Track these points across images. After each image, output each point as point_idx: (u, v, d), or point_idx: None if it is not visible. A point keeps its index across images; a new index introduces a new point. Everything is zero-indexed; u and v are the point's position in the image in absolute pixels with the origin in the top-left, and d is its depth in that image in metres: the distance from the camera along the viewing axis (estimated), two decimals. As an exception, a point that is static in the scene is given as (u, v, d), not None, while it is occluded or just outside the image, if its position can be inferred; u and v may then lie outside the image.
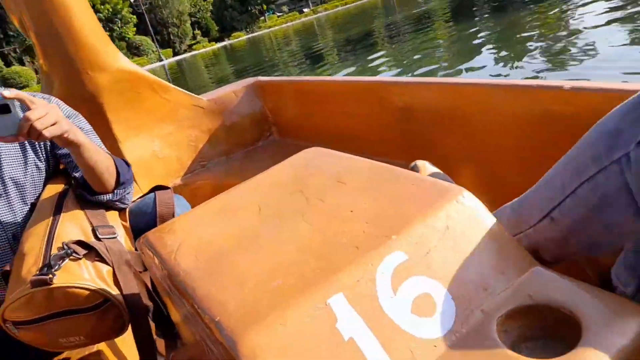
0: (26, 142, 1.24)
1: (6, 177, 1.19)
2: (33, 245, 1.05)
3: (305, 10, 68.91)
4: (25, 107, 1.01)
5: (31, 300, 0.96)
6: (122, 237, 1.19)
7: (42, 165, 1.27)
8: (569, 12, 8.81)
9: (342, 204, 0.73)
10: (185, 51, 56.89)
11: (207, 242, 0.75)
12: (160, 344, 1.16)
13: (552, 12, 9.36)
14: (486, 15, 12.46)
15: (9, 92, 0.98)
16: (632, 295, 0.71)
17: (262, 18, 66.54)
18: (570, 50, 6.16)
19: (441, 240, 0.62)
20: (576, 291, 0.56)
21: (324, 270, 0.59)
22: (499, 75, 6.07)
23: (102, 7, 46.34)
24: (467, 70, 6.96)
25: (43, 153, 1.28)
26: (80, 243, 1.06)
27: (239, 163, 2.58)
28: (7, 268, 1.08)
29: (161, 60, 49.67)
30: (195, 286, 0.64)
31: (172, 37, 56.86)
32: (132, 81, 2.29)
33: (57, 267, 0.98)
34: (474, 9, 14.68)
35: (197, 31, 62.63)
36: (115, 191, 1.25)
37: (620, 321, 0.51)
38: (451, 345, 0.55)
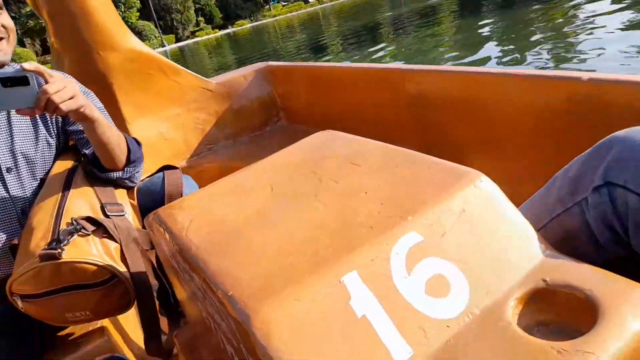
0: (38, 117, 1.25)
1: (17, 152, 1.19)
2: (42, 219, 1.05)
3: (311, 0, 68.54)
4: (44, 81, 1.01)
5: (39, 274, 0.96)
6: (130, 215, 1.19)
7: (52, 141, 1.27)
8: (576, 8, 8.76)
9: (356, 185, 0.73)
10: (188, 38, 56.60)
11: (219, 219, 0.75)
12: (164, 322, 1.16)
13: (559, 8, 9.31)
14: (492, 10, 12.39)
15: (28, 65, 0.98)
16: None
17: (267, 7, 66.21)
18: (575, 46, 6.17)
19: (457, 223, 0.62)
20: (592, 276, 0.56)
21: (338, 248, 0.59)
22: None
23: (106, -10, 46.05)
24: (471, 64, 6.93)
25: (54, 129, 1.28)
26: (89, 219, 1.06)
27: (245, 147, 2.58)
28: (16, 242, 1.08)
29: (163, 46, 49.49)
30: (207, 261, 0.64)
31: (175, 23, 56.53)
32: (143, 62, 2.29)
33: (65, 242, 0.98)
34: (481, 3, 14.59)
35: (200, 18, 62.23)
36: (126, 169, 1.25)
37: (638, 306, 0.51)
38: (464, 326, 0.55)
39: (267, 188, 0.81)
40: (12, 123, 1.19)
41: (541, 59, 6.10)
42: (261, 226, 0.69)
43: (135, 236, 1.10)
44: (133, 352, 1.29)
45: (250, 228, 0.70)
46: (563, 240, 0.79)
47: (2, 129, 1.18)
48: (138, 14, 51.63)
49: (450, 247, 0.60)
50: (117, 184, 1.27)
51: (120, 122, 2.28)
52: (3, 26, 1.14)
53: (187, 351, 0.95)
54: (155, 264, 1.11)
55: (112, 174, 1.24)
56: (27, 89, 0.99)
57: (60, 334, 1.24)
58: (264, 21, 58.43)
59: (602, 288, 0.54)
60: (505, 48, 7.35)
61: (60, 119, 1.29)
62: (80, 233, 1.02)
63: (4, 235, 1.14)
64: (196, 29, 60.10)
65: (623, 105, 1.09)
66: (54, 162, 1.28)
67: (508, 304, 0.56)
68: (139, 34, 50.52)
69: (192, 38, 56.19)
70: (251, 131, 2.70)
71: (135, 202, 1.32)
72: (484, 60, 6.81)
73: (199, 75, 2.56)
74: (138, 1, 50.97)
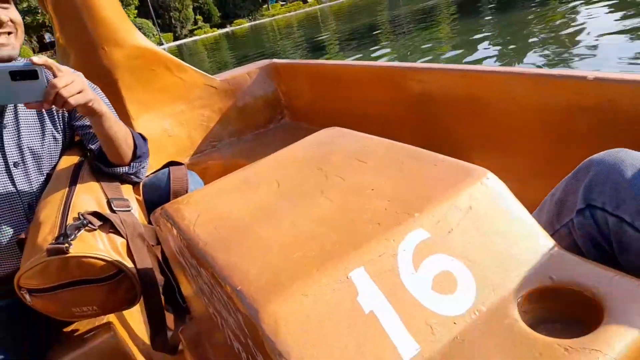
0: (44, 112, 1.25)
1: (24, 147, 1.19)
2: (49, 214, 1.06)
3: (309, 0, 68.45)
4: (53, 75, 1.02)
5: (46, 269, 0.96)
6: (136, 211, 1.19)
7: (59, 137, 1.28)
8: (572, 11, 8.79)
9: (362, 182, 0.73)
10: (186, 36, 56.29)
11: (227, 214, 0.75)
12: (169, 318, 1.17)
13: (555, 10, 9.34)
14: (490, 12, 12.41)
15: (37, 59, 0.99)
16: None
17: (265, 6, 66.08)
18: (571, 48, 6.18)
19: (464, 220, 0.62)
20: (598, 274, 0.56)
21: (346, 244, 0.59)
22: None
23: (104, -13, 46.00)
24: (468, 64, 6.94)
25: (60, 124, 1.28)
26: (95, 214, 1.07)
27: (249, 144, 2.58)
28: (23, 236, 1.09)
29: (162, 44, 49.29)
30: (215, 256, 0.64)
31: (173, 21, 56.20)
32: (147, 58, 2.29)
33: (73, 236, 0.98)
34: (479, 5, 14.60)
35: (198, 16, 61.94)
36: (132, 164, 1.26)
37: None
38: (471, 322, 0.55)
39: (274, 184, 0.81)
40: (19, 118, 1.20)
41: (538, 59, 6.14)
42: (268, 221, 0.70)
43: (141, 231, 1.10)
44: (139, 347, 1.30)
45: (257, 223, 0.70)
46: None
47: (10, 124, 1.19)
48: (136, 11, 51.47)
49: (457, 244, 0.60)
50: (122, 179, 1.28)
51: (124, 118, 2.28)
52: (11, 20, 1.15)
53: (192, 347, 0.95)
54: (161, 260, 1.12)
55: (118, 169, 1.24)
56: (36, 82, 0.99)
57: (66, 329, 1.25)
58: (263, 20, 58.24)
59: (609, 286, 0.54)
60: (502, 49, 7.40)
61: (66, 115, 1.29)
62: (87, 228, 1.02)
63: (11, 230, 1.15)
64: (194, 27, 59.80)
65: (629, 104, 1.09)
66: (60, 157, 1.28)
67: (515, 301, 0.56)
68: (137, 31, 50.46)
69: (190, 36, 55.85)
70: (255, 129, 2.70)
71: (140, 198, 1.32)
72: (480, 62, 6.83)
73: (203, 72, 2.56)
74: None
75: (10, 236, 1.15)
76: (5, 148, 1.17)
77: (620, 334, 0.49)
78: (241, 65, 2.92)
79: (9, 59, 1.15)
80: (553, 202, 0.85)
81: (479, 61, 6.86)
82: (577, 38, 6.62)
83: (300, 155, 0.90)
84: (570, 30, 7.28)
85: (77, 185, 1.15)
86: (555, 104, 1.22)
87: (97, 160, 1.24)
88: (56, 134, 1.27)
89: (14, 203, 1.16)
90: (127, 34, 2.19)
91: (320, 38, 19.05)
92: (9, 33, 1.15)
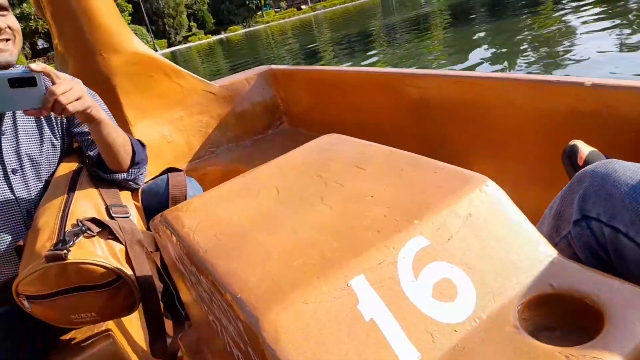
0: (43, 119, 1.25)
1: (22, 154, 1.19)
2: (47, 221, 1.06)
3: (304, 7, 68.62)
4: (51, 82, 1.02)
5: (45, 275, 0.96)
6: (135, 217, 1.19)
7: (57, 143, 1.28)
8: (563, 18, 8.88)
9: (362, 189, 0.73)
10: (180, 42, 56.24)
11: (226, 221, 0.75)
12: (168, 325, 1.17)
13: (547, 16, 9.43)
14: (483, 20, 12.50)
15: (36, 65, 0.98)
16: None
17: (260, 13, 66.20)
18: (561, 54, 6.25)
19: (463, 227, 0.62)
20: (599, 281, 0.56)
21: (345, 251, 0.59)
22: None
23: (97, -7, 46.05)
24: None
25: (59, 131, 1.28)
26: (94, 221, 1.06)
27: (248, 150, 2.58)
28: (21, 243, 1.08)
29: (155, 50, 49.10)
30: (215, 263, 0.64)
31: (167, 28, 56.18)
32: (145, 64, 2.29)
33: (71, 243, 0.98)
34: (471, 13, 14.71)
35: (193, 23, 61.99)
36: (130, 170, 1.26)
37: None
38: (471, 330, 0.55)
39: (273, 191, 0.81)
40: (17, 125, 1.20)
41: (532, 68, 6.20)
42: (268, 229, 0.70)
43: (140, 238, 1.10)
44: (138, 354, 1.29)
45: (257, 230, 0.70)
46: None
47: (8, 131, 1.19)
48: (130, 18, 51.33)
49: (456, 251, 0.60)
50: (121, 185, 1.27)
51: (123, 124, 2.28)
52: (9, 27, 1.15)
53: (192, 353, 0.95)
54: (160, 266, 1.12)
55: (117, 175, 1.24)
56: (34, 89, 0.99)
57: (65, 336, 1.24)
58: (257, 27, 58.32)
59: (609, 293, 0.54)
60: (495, 56, 7.46)
61: (64, 121, 1.29)
62: (85, 234, 1.02)
63: (10, 237, 1.15)
64: (188, 34, 59.76)
65: (626, 110, 1.09)
66: (58, 163, 1.28)
67: (515, 308, 0.56)
68: (131, 37, 50.47)
69: (184, 43, 55.85)
70: (254, 134, 2.70)
71: (139, 204, 1.32)
72: (473, 69, 6.87)
73: (201, 78, 2.56)
74: (130, 5, 50.83)
75: (8, 243, 1.14)
76: (4, 155, 1.16)
77: (621, 341, 0.49)
78: (235, 73, 2.93)
79: (7, 66, 1.15)
80: (551, 215, 0.86)
81: (471, 68, 6.90)
82: (568, 45, 6.71)
83: (300, 161, 0.90)
84: (561, 37, 7.37)
85: (76, 191, 1.15)
86: (554, 110, 1.22)
87: (96, 166, 1.24)
88: (54, 141, 1.27)
89: (12, 210, 1.16)
90: (125, 40, 2.19)
91: (315, 45, 19.12)
92: (7, 40, 1.15)
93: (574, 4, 9.82)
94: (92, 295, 1.01)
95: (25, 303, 1.00)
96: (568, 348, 0.50)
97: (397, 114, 1.87)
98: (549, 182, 1.14)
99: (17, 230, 1.16)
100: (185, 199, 1.33)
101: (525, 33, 8.58)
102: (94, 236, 1.03)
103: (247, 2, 62.45)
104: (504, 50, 7.77)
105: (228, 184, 0.90)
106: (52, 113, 1.04)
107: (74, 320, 1.04)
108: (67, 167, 1.25)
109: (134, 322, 1.43)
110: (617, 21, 7.36)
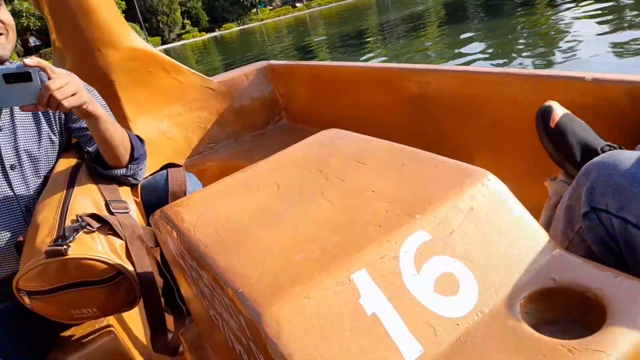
0: (41, 114, 1.24)
1: (21, 150, 1.19)
2: (47, 216, 1.05)
3: (299, 4, 68.45)
4: (47, 77, 1.01)
5: (45, 271, 0.96)
6: (134, 213, 1.19)
7: (55, 139, 1.27)
8: (556, 17, 8.91)
9: (363, 184, 0.73)
10: (174, 40, 55.85)
11: (227, 216, 0.75)
12: (169, 320, 1.17)
13: (542, 15, 9.46)
14: (477, 17, 12.53)
15: (30, 60, 0.98)
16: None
17: (254, 10, 66.01)
18: (554, 53, 6.27)
19: (465, 222, 0.62)
20: (601, 275, 0.56)
21: (347, 246, 0.59)
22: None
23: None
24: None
25: (57, 126, 1.28)
26: (93, 216, 1.06)
27: (247, 146, 2.58)
28: (21, 239, 1.08)
29: (147, 49, 48.99)
30: (216, 258, 0.64)
31: (161, 26, 55.78)
32: (144, 60, 2.28)
33: (71, 238, 0.98)
34: (466, 10, 14.73)
35: (186, 21, 61.66)
36: (129, 166, 1.26)
37: None
38: (473, 324, 0.55)
39: (274, 186, 0.81)
40: (15, 121, 1.19)
41: (526, 61, 6.23)
42: (268, 224, 0.70)
43: (140, 233, 1.10)
44: (139, 350, 1.29)
45: (257, 225, 0.70)
46: None
47: (6, 127, 1.18)
48: (123, 15, 51.02)
49: (458, 246, 0.60)
50: (120, 181, 1.27)
51: (121, 120, 2.27)
52: (2, 22, 1.14)
53: (193, 348, 0.95)
54: (160, 262, 1.11)
55: (116, 171, 1.24)
56: (30, 85, 0.98)
57: (65, 332, 1.24)
58: (252, 24, 58.13)
59: (611, 287, 0.54)
60: (491, 52, 7.49)
61: (63, 117, 1.29)
62: (85, 230, 1.02)
63: (9, 233, 1.15)
64: (182, 31, 59.36)
65: (627, 104, 1.09)
66: (57, 159, 1.28)
67: (517, 302, 0.56)
68: (125, 35, 50.32)
69: (178, 41, 55.52)
70: (253, 130, 2.70)
71: (139, 200, 1.32)
72: (469, 65, 6.89)
73: (200, 74, 2.55)
74: (123, 2, 50.56)
75: (8, 239, 1.14)
76: (2, 151, 1.16)
77: (623, 334, 0.49)
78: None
79: (1, 61, 1.14)
80: (563, 211, 0.85)
81: (467, 64, 6.92)
82: (563, 41, 6.73)
83: (300, 156, 0.90)
84: (557, 34, 7.39)
85: (75, 187, 1.15)
86: None
87: (95, 162, 1.24)
88: (53, 136, 1.26)
89: (11, 206, 1.16)
90: (124, 36, 2.19)
91: (310, 42, 19.13)
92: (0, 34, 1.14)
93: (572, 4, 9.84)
94: (92, 290, 1.01)
95: (26, 299, 1.00)
96: (570, 341, 0.50)
97: (397, 110, 1.86)
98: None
99: (16, 226, 1.16)
100: (185, 194, 1.33)
101: (521, 31, 8.60)
102: (93, 232, 1.03)
103: (241, 0, 62.32)
104: (499, 45, 7.82)
105: (228, 179, 0.90)
106: (48, 108, 1.03)
107: (74, 315, 1.04)
108: (66, 163, 1.25)
109: (135, 318, 1.43)
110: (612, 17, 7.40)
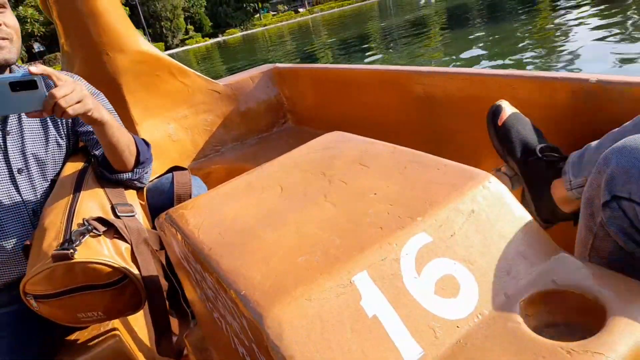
0: (48, 118, 1.26)
1: (28, 153, 1.20)
2: (54, 220, 1.06)
3: (301, 10, 68.54)
4: (53, 84, 1.02)
5: (52, 274, 0.97)
6: (140, 216, 1.20)
7: (63, 143, 1.28)
8: (558, 22, 8.90)
9: (365, 186, 0.73)
10: (177, 45, 55.94)
11: (231, 219, 0.76)
12: (174, 323, 1.17)
13: (543, 19, 9.46)
14: (479, 21, 12.52)
15: (35, 68, 0.99)
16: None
17: (257, 16, 66.14)
18: (554, 57, 6.26)
19: (466, 224, 0.62)
20: (601, 278, 0.56)
21: (349, 248, 0.60)
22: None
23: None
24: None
25: (64, 130, 1.29)
26: (100, 220, 1.07)
27: (253, 149, 2.59)
28: (28, 243, 1.09)
29: (151, 53, 49.06)
30: (220, 261, 0.65)
31: (164, 31, 55.90)
32: (151, 64, 2.30)
33: (77, 242, 0.99)
34: (468, 15, 14.72)
35: (190, 26, 61.85)
36: (135, 170, 1.26)
37: None
38: (474, 326, 0.55)
39: (277, 188, 0.82)
40: (22, 125, 1.21)
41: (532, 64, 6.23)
42: (272, 226, 0.70)
43: (145, 237, 1.11)
44: (144, 353, 1.30)
45: (261, 228, 0.71)
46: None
47: (14, 131, 1.19)
48: (127, 21, 51.19)
49: (459, 248, 0.60)
50: (126, 184, 1.28)
51: (128, 123, 2.29)
52: (6, 25, 1.13)
53: (197, 351, 0.96)
54: (165, 265, 1.12)
55: (122, 175, 1.25)
56: (35, 92, 0.99)
57: (71, 335, 1.25)
58: (254, 30, 58.16)
59: (611, 289, 0.54)
60: (493, 56, 7.46)
61: (70, 120, 1.30)
62: (91, 234, 1.03)
63: (16, 236, 1.16)
64: (186, 37, 59.45)
65: (632, 106, 1.09)
66: (64, 163, 1.29)
67: (517, 304, 0.56)
68: (128, 41, 50.56)
69: (181, 46, 55.61)
70: (258, 133, 2.70)
71: (144, 203, 1.33)
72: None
73: (206, 77, 2.57)
74: (127, 8, 50.79)
75: (15, 243, 1.15)
76: (9, 155, 1.17)
77: (623, 336, 0.49)
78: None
79: (6, 64, 1.15)
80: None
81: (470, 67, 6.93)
82: (565, 44, 6.71)
83: (304, 159, 0.91)
84: (558, 37, 7.38)
85: (82, 191, 1.16)
86: (559, 106, 1.22)
87: (101, 166, 1.25)
88: (60, 140, 1.27)
89: (18, 210, 1.17)
90: (131, 40, 2.20)
91: (313, 48, 19.15)
92: (4, 38, 1.14)
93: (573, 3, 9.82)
94: (98, 294, 1.01)
95: (33, 302, 1.01)
96: (570, 343, 0.50)
97: (403, 112, 1.86)
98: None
99: (23, 230, 1.17)
100: (190, 197, 1.34)
101: (524, 35, 8.58)
102: (100, 235, 1.04)
103: (244, 6, 62.39)
104: (501, 49, 7.81)
105: (232, 182, 0.91)
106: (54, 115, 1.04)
107: (80, 319, 1.05)
108: (73, 167, 1.26)
109: (140, 321, 1.44)
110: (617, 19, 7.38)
